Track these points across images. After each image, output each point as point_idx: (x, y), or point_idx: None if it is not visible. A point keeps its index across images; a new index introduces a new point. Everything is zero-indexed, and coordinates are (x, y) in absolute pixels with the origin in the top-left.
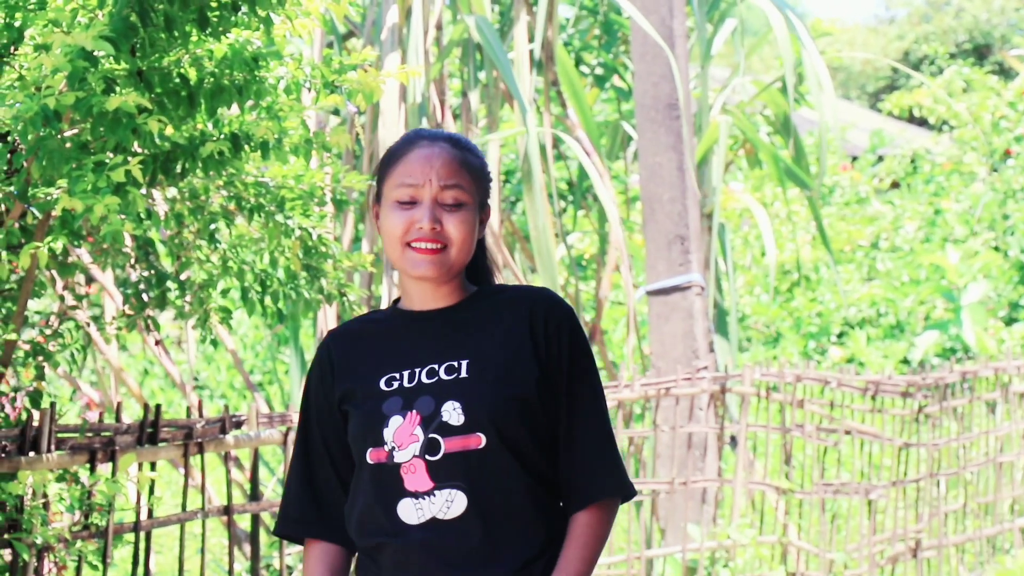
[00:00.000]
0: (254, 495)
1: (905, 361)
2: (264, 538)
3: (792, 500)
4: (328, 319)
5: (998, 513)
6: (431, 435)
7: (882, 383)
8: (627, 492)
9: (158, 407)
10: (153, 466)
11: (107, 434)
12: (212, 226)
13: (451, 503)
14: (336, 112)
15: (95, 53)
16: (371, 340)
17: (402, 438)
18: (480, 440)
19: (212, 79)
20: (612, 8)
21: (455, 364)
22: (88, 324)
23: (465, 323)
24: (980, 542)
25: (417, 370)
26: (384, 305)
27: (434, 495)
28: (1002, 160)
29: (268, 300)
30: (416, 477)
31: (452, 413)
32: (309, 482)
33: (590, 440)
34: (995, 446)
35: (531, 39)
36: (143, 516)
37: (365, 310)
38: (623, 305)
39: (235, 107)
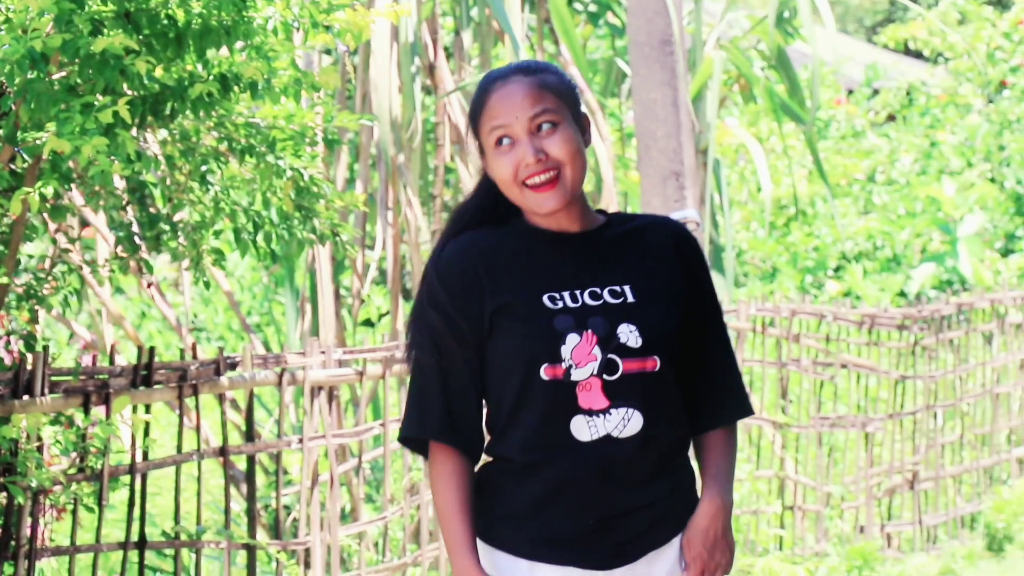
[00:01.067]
0: (250, 436)
1: (902, 294)
2: (261, 478)
3: (789, 434)
4: (321, 259)
5: (995, 444)
6: (610, 355)
7: (878, 316)
8: (752, 411)
9: (152, 349)
10: (148, 408)
11: (101, 377)
12: (203, 168)
13: (628, 422)
14: (328, 52)
15: None
16: (517, 256)
17: (580, 356)
18: (656, 363)
19: (200, 19)
20: None
21: (617, 289)
22: (81, 267)
23: (613, 248)
24: (977, 473)
25: (578, 291)
26: (380, 246)
27: (609, 413)
28: (998, 91)
29: (261, 240)
30: (591, 395)
31: (629, 335)
32: (443, 392)
33: (729, 363)
34: (991, 377)
35: None
36: (138, 458)
37: (358, 250)
38: None
39: (224, 48)
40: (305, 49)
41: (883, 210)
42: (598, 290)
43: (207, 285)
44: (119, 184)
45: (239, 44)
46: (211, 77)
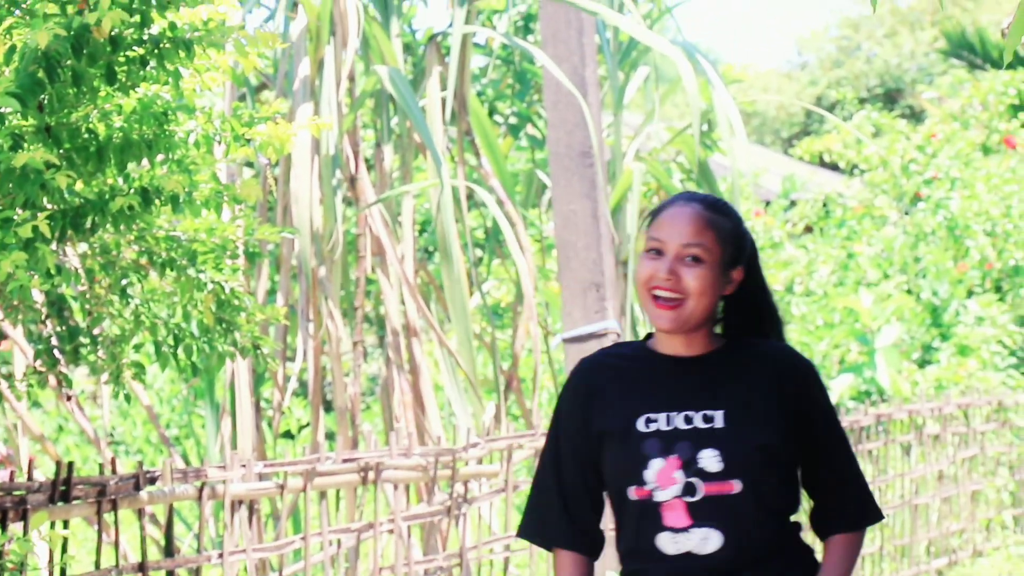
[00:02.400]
0: (169, 551)
1: None
2: None
3: None
4: (241, 372)
5: (914, 555)
6: (690, 479)
7: None
8: (881, 517)
9: (71, 464)
10: (66, 524)
11: (19, 493)
12: (123, 281)
13: (707, 540)
14: (250, 164)
15: (1, 110)
16: (627, 376)
17: (663, 479)
18: (735, 486)
19: (121, 134)
20: (525, 57)
21: (710, 414)
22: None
23: (716, 374)
24: None
25: (673, 414)
26: (301, 357)
27: (690, 532)
28: (913, 203)
29: (182, 354)
30: (675, 514)
31: (710, 460)
32: (560, 495)
33: (851, 475)
34: (910, 488)
35: (443, 88)
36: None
37: (279, 362)
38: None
39: (145, 161)
40: (226, 162)
41: (802, 321)
42: (692, 414)
43: (128, 399)
44: (38, 297)
45: (159, 157)
46: (132, 191)
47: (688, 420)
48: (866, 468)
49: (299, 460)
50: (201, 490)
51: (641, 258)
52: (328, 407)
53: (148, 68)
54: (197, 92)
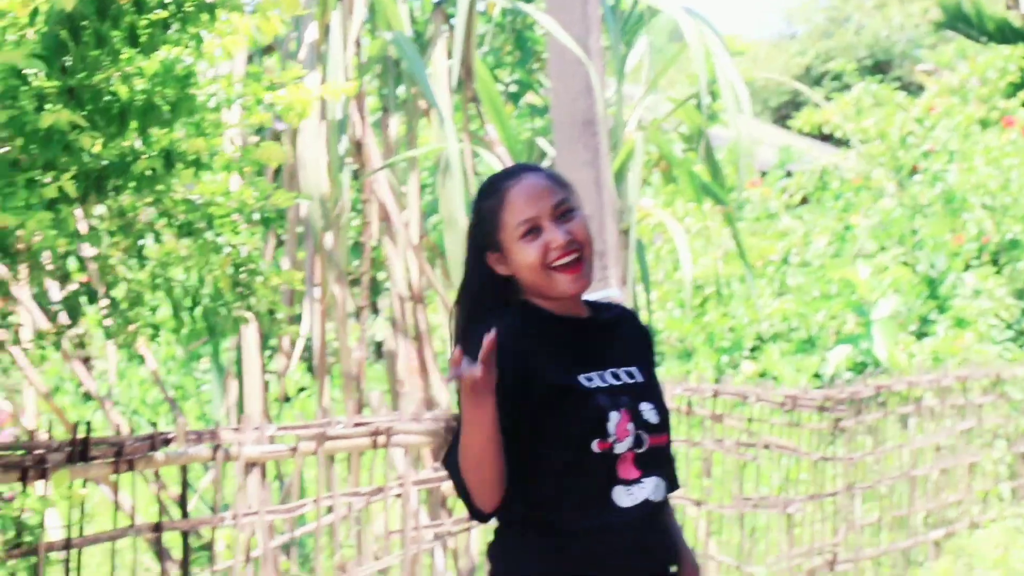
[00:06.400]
0: (184, 512)
1: (816, 375)
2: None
3: (712, 514)
4: (249, 336)
5: (912, 526)
6: (639, 431)
7: (799, 397)
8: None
9: (88, 424)
10: (84, 483)
11: (39, 452)
12: (140, 243)
13: (658, 489)
14: (259, 130)
15: (26, 71)
16: (548, 340)
17: (620, 432)
18: (667, 437)
19: (144, 96)
20: (526, 25)
21: (630, 370)
22: (9, 342)
23: (611, 334)
24: (895, 555)
25: (604, 372)
26: (308, 323)
27: (643, 482)
28: (909, 176)
29: (198, 316)
30: (626, 467)
31: (650, 413)
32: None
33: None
34: (908, 460)
35: (449, 56)
36: (75, 534)
37: (294, 327)
38: None
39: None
40: (244, 127)
41: (798, 292)
42: (617, 370)
43: (142, 360)
44: (48, 258)
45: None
46: (154, 154)
47: (616, 376)
48: (865, 440)
49: (311, 423)
50: (215, 452)
51: (517, 246)
52: (330, 372)
53: (170, 31)
54: (216, 56)
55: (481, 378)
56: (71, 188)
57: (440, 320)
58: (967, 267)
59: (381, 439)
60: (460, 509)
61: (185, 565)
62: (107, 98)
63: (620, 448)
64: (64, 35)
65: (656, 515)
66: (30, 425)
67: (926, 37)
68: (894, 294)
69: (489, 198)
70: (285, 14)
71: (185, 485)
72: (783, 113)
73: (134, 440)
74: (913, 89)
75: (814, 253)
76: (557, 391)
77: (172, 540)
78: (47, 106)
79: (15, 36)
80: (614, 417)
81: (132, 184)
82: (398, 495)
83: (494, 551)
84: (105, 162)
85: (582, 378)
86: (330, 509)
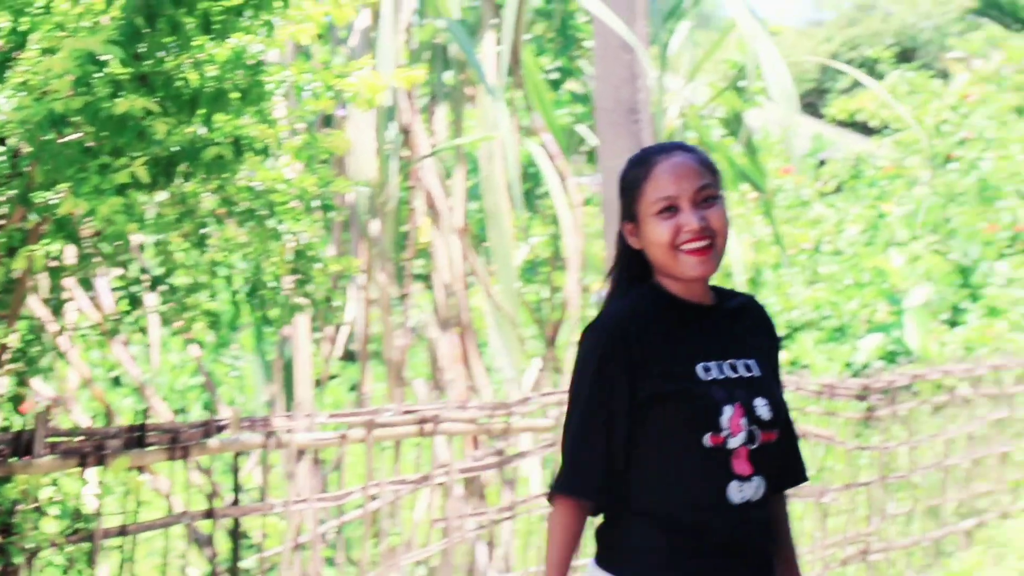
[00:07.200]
0: (236, 499)
1: (847, 364)
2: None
3: None
4: (301, 324)
5: (943, 516)
6: (751, 427)
7: (836, 386)
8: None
9: (145, 411)
10: (141, 470)
11: (97, 438)
12: (202, 230)
13: (759, 489)
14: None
15: (101, 57)
16: (666, 327)
17: (734, 426)
18: (776, 434)
19: (214, 83)
20: (567, 13)
21: (748, 363)
22: (67, 329)
23: (735, 324)
24: (926, 545)
25: (722, 363)
26: (352, 310)
27: (751, 480)
28: (943, 164)
29: (258, 304)
30: (741, 462)
31: (764, 409)
32: (606, 452)
33: (795, 436)
34: (942, 450)
35: (498, 44)
36: (131, 520)
37: (342, 316)
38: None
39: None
40: (304, 114)
41: (830, 280)
42: (735, 362)
43: (200, 343)
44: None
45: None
46: (222, 140)
47: (734, 368)
48: (898, 430)
49: (361, 411)
50: (267, 438)
51: (651, 222)
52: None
53: (243, 18)
54: (285, 44)
55: None
56: (143, 174)
57: (484, 308)
58: (1000, 256)
59: (428, 427)
60: (497, 499)
61: (235, 553)
62: (178, 84)
63: (733, 443)
64: (140, 22)
65: (760, 513)
66: (75, 412)
67: (953, 24)
68: (926, 283)
69: (636, 168)
70: (356, 1)
71: (236, 473)
72: (808, 101)
73: (189, 427)
74: (940, 77)
75: (847, 241)
76: (673, 379)
77: (206, 528)
78: (120, 93)
79: (90, 23)
80: (727, 411)
81: (201, 170)
82: (440, 483)
83: (604, 534)
84: (175, 148)
85: (700, 368)
86: (373, 497)
